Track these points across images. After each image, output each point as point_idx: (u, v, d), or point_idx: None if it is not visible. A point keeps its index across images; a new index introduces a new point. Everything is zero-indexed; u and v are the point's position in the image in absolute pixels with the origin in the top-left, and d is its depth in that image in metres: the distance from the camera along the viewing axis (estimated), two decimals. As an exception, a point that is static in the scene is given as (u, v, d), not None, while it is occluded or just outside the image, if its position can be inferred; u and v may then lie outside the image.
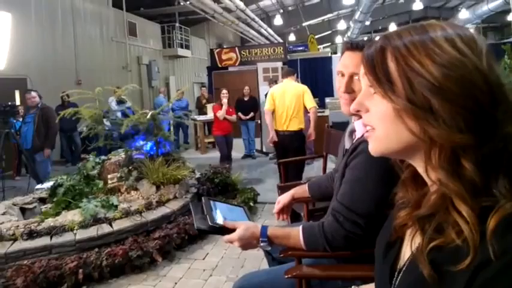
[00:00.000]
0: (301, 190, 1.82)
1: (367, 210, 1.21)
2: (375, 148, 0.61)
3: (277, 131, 4.43)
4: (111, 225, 3.18)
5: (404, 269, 0.60)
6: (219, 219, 1.27)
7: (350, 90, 1.33)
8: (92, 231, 3.08)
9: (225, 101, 6.08)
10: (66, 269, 2.69)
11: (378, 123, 0.59)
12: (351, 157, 1.30)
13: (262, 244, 1.26)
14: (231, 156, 6.11)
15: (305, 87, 4.56)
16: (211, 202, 1.35)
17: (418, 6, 16.64)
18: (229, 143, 6.07)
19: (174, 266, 3.14)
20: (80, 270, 2.70)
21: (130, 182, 3.81)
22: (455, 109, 0.51)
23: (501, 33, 21.87)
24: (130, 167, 3.94)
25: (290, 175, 3.57)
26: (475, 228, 0.49)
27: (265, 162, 7.15)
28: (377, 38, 0.62)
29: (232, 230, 1.25)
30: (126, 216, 3.33)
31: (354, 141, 1.37)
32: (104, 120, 4.82)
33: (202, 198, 1.38)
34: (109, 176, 3.90)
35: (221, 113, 5.95)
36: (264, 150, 7.96)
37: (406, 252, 0.62)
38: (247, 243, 1.25)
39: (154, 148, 4.10)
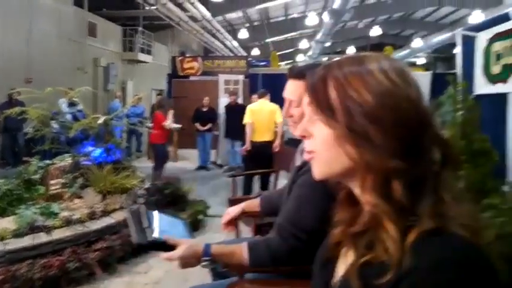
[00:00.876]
0: (252, 204, 1.83)
1: (311, 226, 1.23)
2: (317, 172, 0.65)
3: (254, 142, 5.13)
4: (49, 234, 3.01)
5: (338, 285, 0.63)
6: (159, 234, 1.18)
7: (289, 115, 1.41)
8: (27, 241, 2.89)
9: (171, 111, 6.22)
10: (-10, 283, 2.50)
11: (320, 148, 0.62)
12: (299, 174, 1.34)
13: (204, 263, 1.21)
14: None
15: (277, 106, 5.21)
16: (151, 213, 1.25)
17: (376, 32, 17.49)
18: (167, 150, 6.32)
19: (115, 279, 3.02)
20: (7, 286, 2.51)
21: (74, 190, 3.64)
22: (388, 136, 0.55)
23: (449, 64, 23.46)
24: (76, 174, 3.77)
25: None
26: (398, 244, 0.53)
27: (219, 175, 7.11)
28: (319, 68, 0.66)
29: (173, 247, 1.19)
30: (66, 225, 3.17)
31: (304, 158, 1.41)
32: (52, 122, 4.60)
33: (142, 207, 1.28)
34: (52, 182, 3.71)
35: (169, 123, 6.01)
36: (219, 162, 7.93)
37: (340, 269, 0.65)
38: (187, 262, 1.21)
39: (104, 155, 3.96)
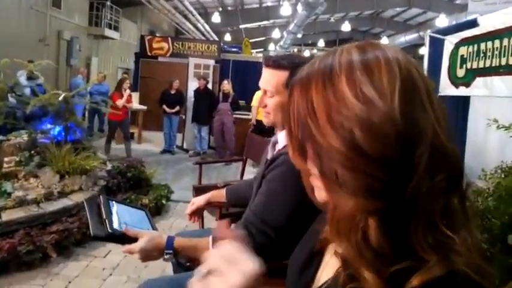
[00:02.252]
0: (218, 194, 1.80)
1: (280, 222, 1.22)
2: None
3: (258, 120, 6.41)
4: (-1, 215, 2.85)
5: None
6: (119, 225, 1.13)
7: (263, 105, 1.37)
8: (-26, 221, 2.72)
9: (128, 91, 6.59)
10: None
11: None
12: (270, 168, 1.32)
13: (166, 256, 1.17)
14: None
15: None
16: (110, 203, 1.20)
17: (346, 27, 17.79)
18: (126, 126, 6.84)
19: (70, 263, 2.92)
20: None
21: (30, 168, 3.45)
22: (361, 177, 0.46)
23: (414, 65, 24.30)
24: (32, 152, 3.58)
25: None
26: None
27: (184, 159, 7.01)
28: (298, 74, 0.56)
29: (134, 239, 1.13)
30: (20, 205, 3.01)
31: (275, 152, 1.39)
32: (9, 95, 4.32)
33: (100, 197, 1.22)
34: (5, 159, 3.50)
35: (121, 102, 6.40)
36: (185, 146, 7.81)
37: (323, 275, 0.61)
38: (148, 256, 1.16)
39: (63, 134, 3.77)
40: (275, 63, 1.34)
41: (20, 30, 9.60)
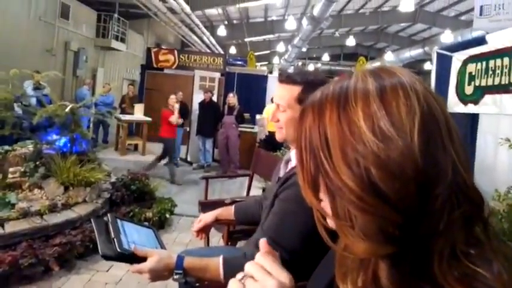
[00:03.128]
0: (226, 212, 1.76)
1: (294, 245, 1.20)
2: None
3: (269, 131, 6.39)
4: (2, 227, 2.81)
5: None
6: (127, 245, 1.11)
7: (275, 120, 1.37)
8: (-23, 232, 2.69)
9: (176, 106, 6.45)
10: None
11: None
12: (282, 187, 1.30)
13: (176, 276, 1.15)
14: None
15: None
16: (118, 221, 1.18)
17: (351, 42, 17.89)
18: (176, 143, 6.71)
19: (72, 276, 2.87)
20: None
21: (35, 179, 3.43)
22: (375, 219, 0.43)
23: (418, 80, 24.38)
24: (37, 162, 3.56)
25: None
26: None
27: (188, 172, 6.98)
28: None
29: (143, 259, 1.12)
30: (23, 217, 2.98)
31: (288, 170, 1.36)
32: (15, 105, 4.33)
33: (108, 215, 1.20)
34: (11, 170, 3.48)
35: (175, 118, 6.33)
36: (189, 159, 7.79)
37: None
38: (158, 276, 1.14)
39: (69, 145, 3.75)
40: (288, 78, 1.35)
41: (28, 41, 9.71)
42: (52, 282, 2.75)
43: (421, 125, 0.44)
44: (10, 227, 2.83)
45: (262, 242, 0.59)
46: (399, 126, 0.43)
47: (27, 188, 3.41)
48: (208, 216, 1.71)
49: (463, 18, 14.31)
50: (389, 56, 17.87)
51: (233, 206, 1.80)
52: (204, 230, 1.72)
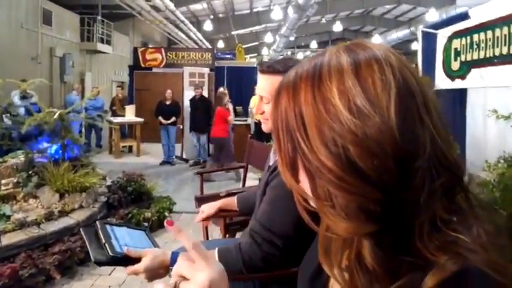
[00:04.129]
0: (229, 202, 1.79)
1: (286, 231, 1.20)
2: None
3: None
4: (-1, 239, 2.80)
5: None
6: (119, 248, 1.09)
7: (260, 112, 1.36)
8: (-26, 247, 2.67)
9: (230, 105, 6.40)
10: None
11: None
12: (272, 175, 1.30)
13: (173, 273, 1.15)
14: None
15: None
16: (108, 227, 1.16)
17: (338, 27, 17.85)
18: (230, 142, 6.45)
19: (75, 283, 2.87)
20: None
21: (29, 189, 3.41)
22: (355, 198, 0.43)
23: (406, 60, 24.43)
24: (30, 172, 3.53)
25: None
26: None
27: (184, 170, 6.98)
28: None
29: (137, 260, 1.10)
30: (20, 228, 2.96)
31: (277, 158, 1.37)
32: (4, 116, 4.29)
33: (97, 223, 1.18)
34: (3, 182, 3.46)
35: (232, 117, 6.27)
36: (184, 156, 7.78)
37: (335, 285, 0.57)
38: (154, 274, 1.12)
39: (60, 152, 3.73)
40: (269, 68, 1.33)
41: (11, 49, 9.58)
42: (55, 290, 2.75)
43: (397, 99, 0.43)
44: (7, 239, 2.81)
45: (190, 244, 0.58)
46: (375, 102, 0.42)
47: (21, 199, 3.39)
48: (211, 208, 1.73)
49: (447, -5, 14.30)
50: (376, 39, 17.82)
51: (235, 197, 1.81)
52: (207, 221, 1.74)
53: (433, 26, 4.48)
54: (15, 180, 3.43)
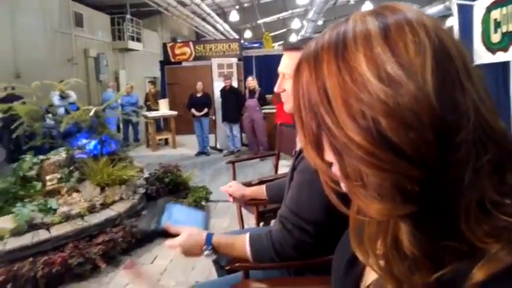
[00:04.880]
0: (257, 191, 1.77)
1: (316, 216, 1.16)
2: None
3: None
4: (48, 231, 2.96)
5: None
6: (166, 223, 1.22)
7: (281, 90, 1.32)
8: (27, 239, 2.84)
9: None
10: (-10, 285, 2.45)
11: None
12: (298, 159, 1.27)
13: (206, 253, 1.19)
14: None
15: None
16: (168, 205, 1.32)
17: (367, 7, 17.21)
18: None
19: (120, 271, 2.98)
20: (8, 286, 2.46)
21: (71, 184, 3.57)
22: (390, 176, 0.39)
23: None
24: (71, 168, 3.70)
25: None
26: None
27: (219, 159, 7.06)
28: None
29: (177, 235, 1.19)
30: (66, 220, 3.12)
31: None
32: (46, 117, 4.50)
33: (160, 200, 1.35)
34: (48, 177, 3.64)
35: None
36: (218, 146, 7.87)
37: (372, 272, 0.54)
38: (189, 251, 1.19)
39: (99, 147, 3.87)
40: (291, 45, 1.34)
41: (47, 52, 10.01)
42: (101, 278, 2.87)
43: (434, 63, 0.38)
44: (55, 231, 2.98)
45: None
46: (408, 68, 0.38)
47: (65, 193, 3.56)
48: (239, 189, 1.74)
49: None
50: (409, 16, 17.13)
51: (264, 186, 1.79)
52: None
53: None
54: (58, 176, 3.61)
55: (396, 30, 0.40)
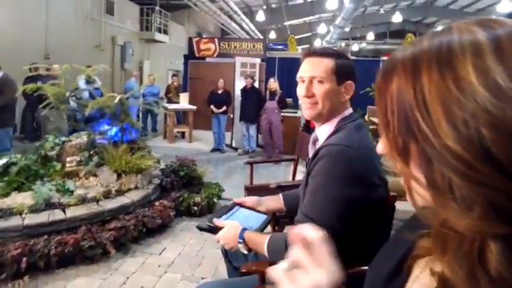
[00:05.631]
0: (274, 202, 1.67)
1: (329, 221, 1.15)
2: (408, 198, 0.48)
3: None
4: (64, 212, 3.02)
5: None
6: (220, 222, 1.36)
7: (310, 94, 1.31)
8: (43, 217, 2.90)
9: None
10: (8, 257, 2.50)
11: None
12: (312, 164, 1.27)
13: (239, 245, 1.29)
14: None
15: None
16: (235, 207, 1.48)
17: (397, 18, 17.05)
18: None
19: (128, 259, 3.02)
20: (24, 259, 2.52)
21: (90, 168, 3.63)
22: (485, 191, 0.37)
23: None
24: (91, 152, 3.76)
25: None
26: None
27: (233, 158, 7.08)
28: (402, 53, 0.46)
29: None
30: (82, 203, 3.17)
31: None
32: (70, 99, 4.59)
33: (232, 202, 1.52)
34: (68, 159, 3.70)
35: None
36: (234, 145, 7.89)
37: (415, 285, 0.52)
38: (228, 242, 1.31)
39: (119, 134, 3.93)
40: (320, 51, 1.35)
41: (77, 37, 10.22)
42: (110, 263, 2.92)
43: None
44: (71, 212, 3.03)
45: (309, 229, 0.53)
46: None
47: (83, 176, 3.62)
48: (254, 201, 1.62)
49: (522, -17, 13.11)
50: (439, 31, 16.83)
51: (280, 195, 1.73)
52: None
53: (508, 18, 4.13)
54: (78, 159, 3.67)
55: (508, 42, 0.39)
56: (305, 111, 1.35)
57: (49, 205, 3.01)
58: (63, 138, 3.94)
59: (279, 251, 1.21)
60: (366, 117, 7.16)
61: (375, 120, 6.53)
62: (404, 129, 0.42)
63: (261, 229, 1.39)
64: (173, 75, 10.43)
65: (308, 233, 0.52)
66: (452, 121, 0.38)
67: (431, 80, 0.40)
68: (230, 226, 1.32)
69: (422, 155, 0.41)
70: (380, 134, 0.47)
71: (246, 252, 1.32)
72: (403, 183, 0.47)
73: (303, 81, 1.34)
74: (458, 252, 0.41)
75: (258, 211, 1.51)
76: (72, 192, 3.24)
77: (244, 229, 1.31)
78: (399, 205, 1.42)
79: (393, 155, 0.45)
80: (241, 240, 1.27)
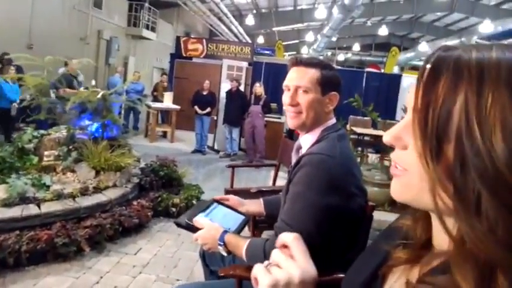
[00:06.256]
0: (255, 205, 1.67)
1: (306, 227, 1.16)
2: (398, 193, 0.48)
3: None
4: (39, 207, 2.94)
5: None
6: (200, 220, 1.33)
7: (295, 103, 1.33)
8: (16, 211, 2.82)
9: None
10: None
11: (414, 167, 0.45)
12: (293, 172, 1.29)
13: (219, 248, 1.28)
14: None
15: None
16: (214, 204, 1.43)
17: (383, 31, 17.43)
18: None
19: (102, 258, 2.97)
20: (-8, 254, 2.45)
21: (68, 163, 3.56)
22: (510, 217, 0.36)
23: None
24: (70, 147, 3.68)
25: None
26: None
27: (214, 160, 7.05)
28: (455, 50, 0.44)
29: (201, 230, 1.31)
30: (57, 198, 3.10)
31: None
32: (51, 91, 4.49)
33: (211, 199, 1.46)
34: (46, 153, 3.62)
35: None
36: (216, 147, 7.87)
37: None
38: (208, 244, 1.29)
39: (100, 130, 3.86)
40: (306, 61, 1.36)
41: (62, 29, 10.02)
42: (84, 262, 2.86)
43: None
44: (45, 208, 2.96)
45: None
46: None
47: (60, 171, 3.55)
48: (236, 201, 1.64)
49: (504, 7, 13.60)
50: (423, 47, 17.30)
51: (261, 200, 1.74)
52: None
53: (489, 38, 4.27)
54: (56, 153, 3.59)
55: None
56: (289, 121, 1.36)
57: (23, 199, 2.93)
58: (42, 132, 3.85)
59: (257, 255, 1.23)
60: (348, 126, 7.27)
61: (357, 130, 6.63)
62: (443, 133, 0.41)
63: (239, 230, 1.38)
64: (163, 74, 10.34)
65: (284, 237, 0.57)
66: (510, 146, 0.37)
67: (498, 96, 0.39)
68: (210, 227, 1.29)
69: (457, 159, 0.40)
70: (413, 138, 0.45)
71: (225, 254, 1.31)
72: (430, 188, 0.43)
73: (289, 90, 1.35)
74: (470, 272, 0.39)
75: (237, 211, 1.48)
76: (48, 187, 3.16)
77: (225, 231, 1.30)
78: (377, 215, 1.45)
79: (425, 160, 0.43)
80: (221, 243, 1.27)
